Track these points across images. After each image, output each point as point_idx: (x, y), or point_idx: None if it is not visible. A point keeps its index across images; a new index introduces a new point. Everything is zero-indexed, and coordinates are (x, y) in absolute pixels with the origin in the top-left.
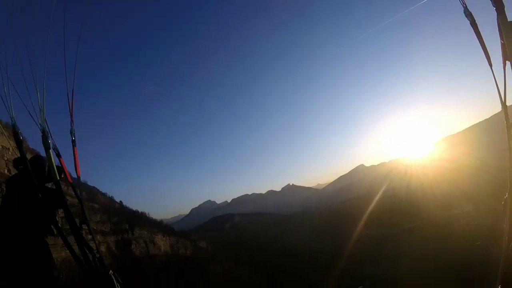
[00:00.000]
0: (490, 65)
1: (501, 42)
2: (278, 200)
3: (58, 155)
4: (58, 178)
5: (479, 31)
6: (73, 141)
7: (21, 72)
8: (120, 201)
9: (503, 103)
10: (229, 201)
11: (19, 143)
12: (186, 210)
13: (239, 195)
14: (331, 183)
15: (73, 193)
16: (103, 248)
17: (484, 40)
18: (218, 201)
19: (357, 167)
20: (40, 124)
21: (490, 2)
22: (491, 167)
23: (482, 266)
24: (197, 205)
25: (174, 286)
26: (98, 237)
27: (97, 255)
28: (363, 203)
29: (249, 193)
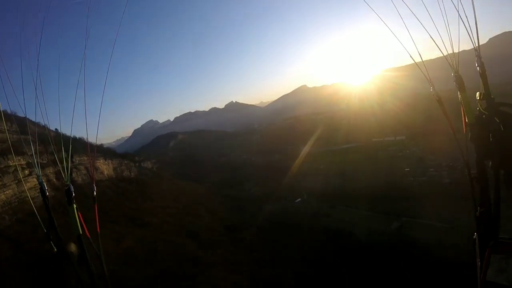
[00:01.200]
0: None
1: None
2: (222, 117)
3: (77, 210)
4: (80, 232)
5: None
6: (94, 198)
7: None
8: (56, 129)
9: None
10: (172, 119)
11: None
12: (128, 132)
13: (182, 113)
14: (274, 101)
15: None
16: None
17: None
18: (161, 120)
19: (300, 87)
20: (65, 180)
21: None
22: (428, 103)
23: (407, 190)
24: (139, 126)
25: (120, 207)
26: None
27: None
28: (304, 122)
29: (192, 110)
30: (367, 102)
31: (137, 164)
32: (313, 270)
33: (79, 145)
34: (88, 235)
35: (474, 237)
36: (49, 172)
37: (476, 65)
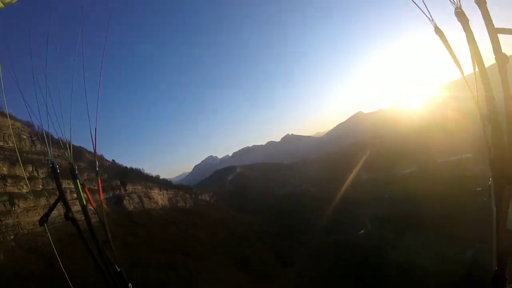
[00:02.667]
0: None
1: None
2: (279, 150)
3: (83, 185)
4: (85, 203)
5: (450, 47)
6: (97, 173)
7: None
8: (112, 160)
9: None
10: (230, 154)
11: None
12: (189, 168)
13: (240, 148)
14: (330, 130)
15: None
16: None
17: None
18: (220, 156)
19: (355, 114)
20: (68, 158)
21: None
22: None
23: (479, 212)
24: (199, 162)
25: (169, 235)
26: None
27: (118, 269)
28: (362, 149)
29: (250, 145)
30: (427, 122)
31: (193, 195)
32: None
33: (134, 175)
34: (93, 205)
35: (489, 182)
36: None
37: None
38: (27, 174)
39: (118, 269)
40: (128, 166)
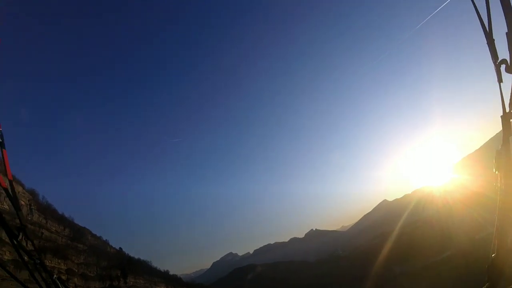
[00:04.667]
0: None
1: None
2: (302, 246)
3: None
4: None
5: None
6: (1, 143)
7: None
8: (120, 248)
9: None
10: (251, 252)
11: None
12: (208, 264)
13: (261, 245)
14: (356, 223)
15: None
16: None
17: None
18: (241, 253)
19: (380, 203)
20: None
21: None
22: None
23: None
24: (218, 258)
25: None
26: (76, 280)
27: (37, 261)
28: (392, 239)
29: (272, 242)
30: (455, 200)
31: None
32: None
33: (139, 267)
34: (4, 185)
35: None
36: (94, 287)
37: None
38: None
39: (38, 260)
40: (136, 257)
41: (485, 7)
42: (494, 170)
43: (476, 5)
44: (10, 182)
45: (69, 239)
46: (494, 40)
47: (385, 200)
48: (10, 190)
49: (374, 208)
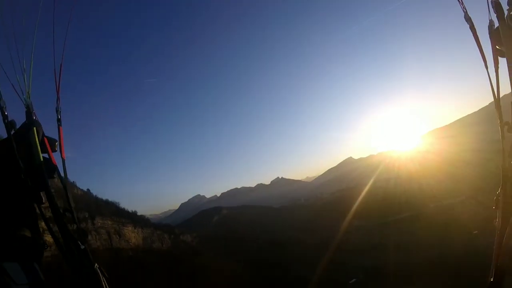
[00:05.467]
0: (487, 67)
1: (495, 48)
2: (268, 193)
3: (40, 134)
4: (42, 159)
5: (477, 35)
6: (59, 120)
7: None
8: (88, 189)
9: (497, 103)
10: (218, 195)
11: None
12: (176, 206)
13: (228, 189)
14: (320, 175)
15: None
16: (49, 238)
17: (481, 44)
18: (208, 195)
19: (345, 159)
20: (24, 99)
21: (491, 8)
22: (479, 159)
23: (481, 256)
24: (186, 200)
25: (140, 283)
26: (43, 224)
27: (82, 247)
28: (353, 195)
29: (239, 186)
30: (418, 167)
31: (172, 236)
32: None
33: (107, 209)
34: (55, 162)
35: (498, 192)
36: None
37: None
38: None
39: (83, 246)
40: (104, 198)
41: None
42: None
43: None
44: (63, 161)
45: None
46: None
47: (350, 158)
48: (61, 169)
49: (339, 164)
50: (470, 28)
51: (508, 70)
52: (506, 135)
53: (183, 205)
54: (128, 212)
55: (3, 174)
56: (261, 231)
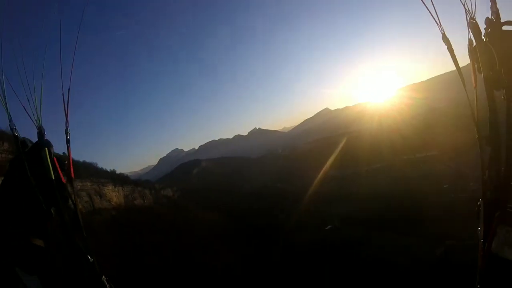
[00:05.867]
0: (464, 85)
1: (473, 65)
2: (245, 144)
3: (51, 153)
4: (53, 177)
5: (455, 56)
6: (68, 141)
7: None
8: (63, 153)
9: (474, 118)
10: (196, 148)
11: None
12: (155, 161)
13: (206, 141)
14: (297, 126)
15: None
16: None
17: (458, 64)
18: (186, 149)
19: (322, 110)
20: (36, 121)
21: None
22: (454, 114)
23: (448, 209)
24: (164, 155)
25: (119, 242)
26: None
27: (91, 260)
28: (329, 145)
29: (216, 138)
30: (392, 119)
31: (152, 191)
32: None
33: (85, 170)
34: (64, 181)
35: (478, 203)
36: None
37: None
38: None
39: (91, 259)
40: (81, 160)
41: None
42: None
43: None
44: (71, 179)
45: (9, 153)
46: None
47: (327, 108)
48: (70, 187)
49: (315, 114)
50: (448, 49)
51: (485, 86)
52: (484, 149)
53: (162, 160)
54: (106, 171)
55: (17, 189)
56: (241, 181)
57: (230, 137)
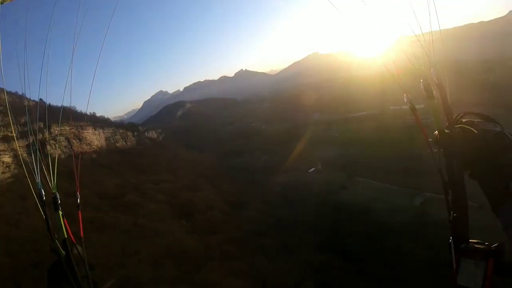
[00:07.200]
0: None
1: None
2: (231, 85)
3: (63, 216)
4: (66, 236)
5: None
6: (78, 206)
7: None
8: (40, 99)
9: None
10: (181, 90)
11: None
12: (139, 105)
13: (191, 83)
14: (285, 69)
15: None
16: (7, 159)
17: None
18: (171, 91)
19: (311, 54)
20: (52, 190)
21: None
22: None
23: (429, 162)
24: (149, 97)
25: (101, 183)
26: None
27: (85, 274)
28: (316, 90)
29: (202, 80)
30: (382, 70)
31: (135, 133)
32: (330, 258)
33: (63, 115)
34: (74, 240)
35: (449, 241)
36: (19, 146)
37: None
38: None
39: (86, 273)
40: (59, 105)
41: None
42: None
43: None
44: (82, 238)
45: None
46: None
47: (316, 53)
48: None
49: (304, 58)
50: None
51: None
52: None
53: (146, 103)
54: (85, 114)
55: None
56: (226, 122)
57: (216, 78)
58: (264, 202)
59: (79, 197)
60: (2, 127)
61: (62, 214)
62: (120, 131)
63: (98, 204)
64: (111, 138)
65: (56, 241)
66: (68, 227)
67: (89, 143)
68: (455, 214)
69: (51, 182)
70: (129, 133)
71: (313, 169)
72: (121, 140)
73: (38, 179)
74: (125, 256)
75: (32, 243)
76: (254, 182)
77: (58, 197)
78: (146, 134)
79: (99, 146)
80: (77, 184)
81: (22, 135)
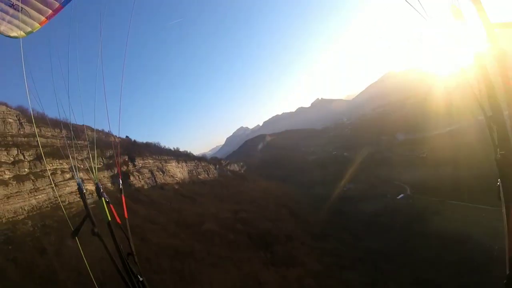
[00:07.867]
0: None
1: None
2: (309, 116)
3: (108, 202)
4: (110, 219)
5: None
6: (121, 190)
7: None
8: (126, 136)
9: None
10: (261, 124)
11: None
12: (222, 141)
13: (270, 117)
14: (361, 92)
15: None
16: (91, 187)
17: None
18: (251, 126)
19: (386, 73)
20: (94, 179)
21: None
22: None
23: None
24: (231, 134)
25: (180, 211)
26: (81, 174)
27: (141, 279)
28: (396, 110)
29: (280, 113)
30: (461, 85)
31: (217, 166)
32: None
33: (147, 150)
34: (119, 221)
35: (497, 183)
36: (103, 176)
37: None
38: (12, 158)
39: (141, 279)
40: (144, 141)
41: None
42: None
43: None
44: (125, 219)
45: (68, 139)
46: None
47: (391, 71)
48: (125, 227)
49: (379, 79)
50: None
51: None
52: (491, 127)
53: (228, 139)
54: (169, 150)
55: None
56: (306, 152)
57: (293, 110)
58: (349, 233)
59: (121, 182)
60: (87, 160)
61: (106, 200)
62: (203, 164)
63: (175, 231)
64: (193, 171)
65: (96, 229)
66: (113, 210)
67: (172, 175)
68: (502, 153)
69: (93, 174)
70: (211, 166)
71: (402, 195)
72: (204, 172)
73: (76, 175)
74: (195, 283)
75: (99, 263)
76: (338, 212)
77: (100, 185)
78: (228, 167)
79: (182, 178)
80: (119, 170)
81: (107, 166)
